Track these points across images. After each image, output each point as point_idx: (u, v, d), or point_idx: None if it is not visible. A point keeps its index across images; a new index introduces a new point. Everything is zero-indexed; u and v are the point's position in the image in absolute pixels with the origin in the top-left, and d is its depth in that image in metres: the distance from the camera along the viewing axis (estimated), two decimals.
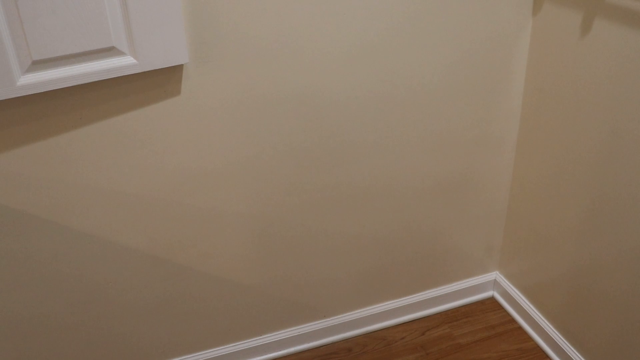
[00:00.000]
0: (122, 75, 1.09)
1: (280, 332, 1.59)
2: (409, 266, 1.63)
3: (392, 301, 1.67)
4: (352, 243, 1.52)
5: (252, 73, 1.21)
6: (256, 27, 1.16)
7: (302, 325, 1.61)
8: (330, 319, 1.62)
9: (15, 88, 1.03)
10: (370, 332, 1.67)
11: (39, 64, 1.03)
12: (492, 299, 1.76)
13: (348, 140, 1.36)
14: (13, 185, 1.15)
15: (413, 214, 1.54)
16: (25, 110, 1.10)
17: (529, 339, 1.62)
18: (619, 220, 1.25)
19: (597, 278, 1.35)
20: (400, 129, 1.39)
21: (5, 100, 1.07)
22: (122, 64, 1.09)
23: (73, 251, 1.27)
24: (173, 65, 1.12)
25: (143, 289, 1.38)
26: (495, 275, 1.75)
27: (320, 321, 1.62)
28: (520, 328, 1.66)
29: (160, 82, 1.16)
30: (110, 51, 1.07)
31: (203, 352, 1.54)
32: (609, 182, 1.25)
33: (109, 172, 1.21)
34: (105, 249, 1.29)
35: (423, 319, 1.71)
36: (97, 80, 1.08)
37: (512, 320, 1.68)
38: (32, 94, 1.08)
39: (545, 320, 1.57)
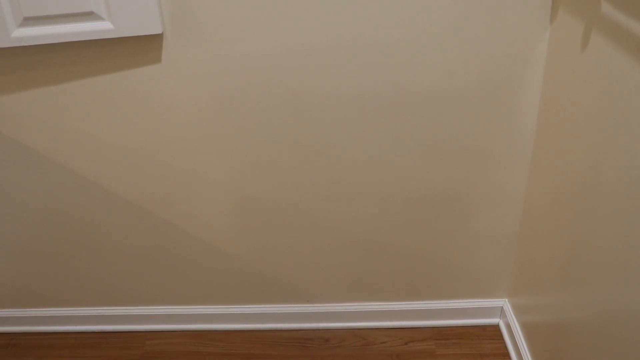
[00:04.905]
0: (100, 38, 1.20)
1: (263, 306, 1.64)
2: (408, 272, 1.56)
3: (384, 303, 1.62)
4: (345, 240, 1.50)
5: (232, 43, 1.24)
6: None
7: (286, 305, 1.63)
8: (314, 305, 1.63)
9: (10, 39, 1.20)
10: (354, 329, 1.64)
11: (29, 21, 1.18)
12: (495, 327, 1.62)
13: (333, 131, 1.34)
14: (12, 120, 1.34)
15: (411, 221, 1.46)
16: (22, 60, 1.26)
17: None
18: None
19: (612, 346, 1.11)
20: (405, 135, 1.33)
21: (3, 49, 1.24)
22: (101, 28, 1.20)
23: (64, 187, 1.44)
24: (147, 34, 1.20)
25: (130, 235, 1.52)
26: (503, 302, 1.60)
27: (302, 305, 1.63)
28: None
29: (141, 49, 1.25)
30: (90, 15, 1.19)
31: (187, 307, 1.65)
32: None
33: (96, 123, 1.34)
34: (94, 190, 1.44)
35: (412, 329, 1.63)
36: (78, 40, 1.21)
37: (506, 355, 1.53)
38: (27, 47, 1.24)
39: None
